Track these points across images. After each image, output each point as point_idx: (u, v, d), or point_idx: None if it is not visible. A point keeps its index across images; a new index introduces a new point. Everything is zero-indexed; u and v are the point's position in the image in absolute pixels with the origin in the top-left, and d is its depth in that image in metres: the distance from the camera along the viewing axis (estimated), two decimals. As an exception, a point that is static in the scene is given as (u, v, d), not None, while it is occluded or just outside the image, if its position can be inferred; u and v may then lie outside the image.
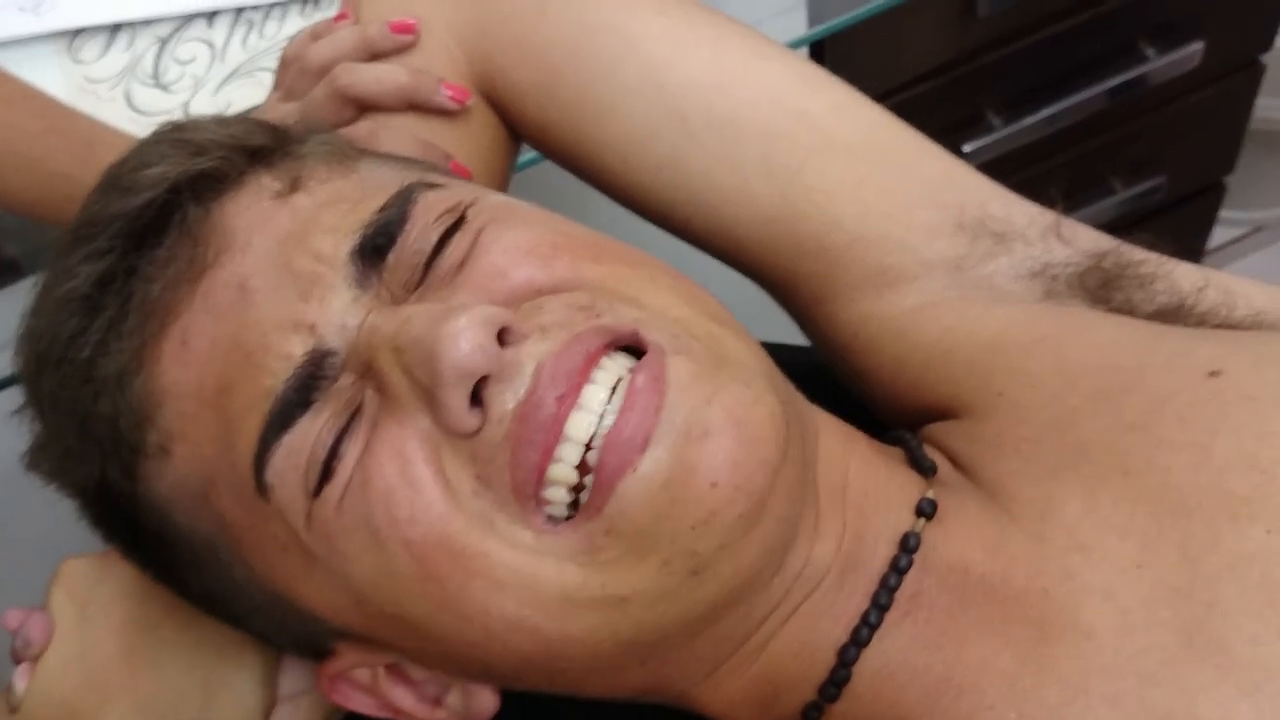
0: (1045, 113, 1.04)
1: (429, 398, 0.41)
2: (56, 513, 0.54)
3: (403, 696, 0.48)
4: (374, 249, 0.44)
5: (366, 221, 0.44)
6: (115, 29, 0.81)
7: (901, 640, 0.45)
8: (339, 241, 0.44)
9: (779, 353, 0.53)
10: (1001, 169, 1.10)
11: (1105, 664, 0.42)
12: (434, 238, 0.44)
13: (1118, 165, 1.17)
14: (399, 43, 0.59)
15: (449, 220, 0.44)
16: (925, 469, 0.49)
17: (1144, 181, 1.18)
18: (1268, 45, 1.15)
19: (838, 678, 0.45)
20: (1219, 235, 1.63)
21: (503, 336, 0.41)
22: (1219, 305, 0.52)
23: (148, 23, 0.81)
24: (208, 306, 0.44)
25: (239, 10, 0.80)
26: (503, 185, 0.62)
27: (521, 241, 0.44)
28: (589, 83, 0.57)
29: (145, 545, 0.48)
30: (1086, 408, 0.47)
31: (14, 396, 0.51)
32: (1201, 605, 0.42)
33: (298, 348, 0.43)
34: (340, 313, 0.43)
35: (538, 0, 0.58)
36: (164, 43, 0.80)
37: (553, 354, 0.41)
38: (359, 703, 0.49)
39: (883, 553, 0.45)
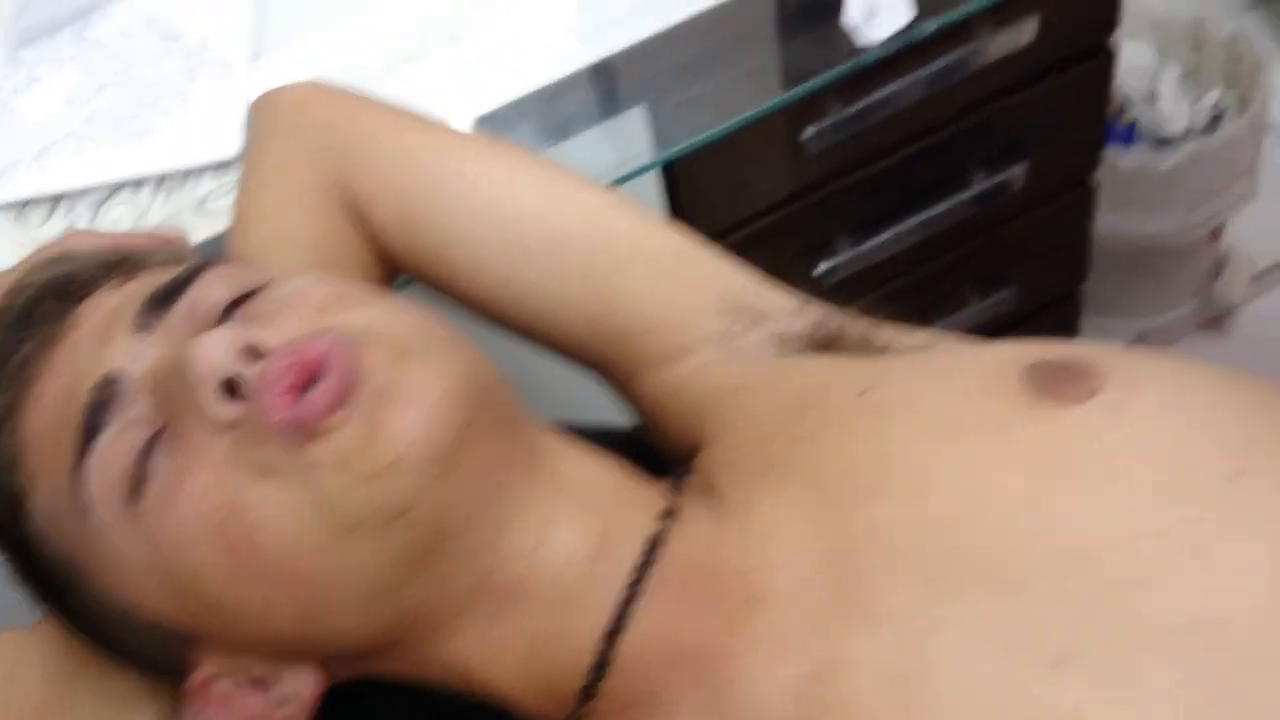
0: (888, 234, 1.15)
1: (191, 404, 0.51)
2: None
3: (254, 702, 0.56)
4: (161, 300, 0.56)
5: (161, 284, 0.57)
6: (58, 198, 0.94)
7: (652, 624, 0.54)
8: (140, 302, 0.55)
9: (619, 438, 0.65)
10: (859, 286, 1.18)
11: (786, 624, 0.52)
12: (214, 298, 0.56)
13: (968, 279, 1.29)
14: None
15: (233, 286, 0.56)
16: (678, 483, 0.60)
17: (993, 294, 1.30)
18: (1093, 166, 1.29)
19: (601, 660, 0.54)
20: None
21: (256, 351, 0.51)
22: (893, 338, 0.65)
23: (84, 192, 0.93)
24: (53, 369, 0.55)
25: (160, 179, 0.94)
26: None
27: (284, 293, 0.56)
28: (440, 220, 0.69)
29: (42, 583, 0.58)
30: (780, 428, 0.59)
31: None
32: (850, 570, 0.52)
33: (92, 381, 0.53)
34: (124, 348, 0.54)
35: (404, 155, 0.70)
36: (98, 206, 0.93)
37: (286, 337, 0.52)
38: (223, 718, 0.57)
39: (633, 551, 0.55)
